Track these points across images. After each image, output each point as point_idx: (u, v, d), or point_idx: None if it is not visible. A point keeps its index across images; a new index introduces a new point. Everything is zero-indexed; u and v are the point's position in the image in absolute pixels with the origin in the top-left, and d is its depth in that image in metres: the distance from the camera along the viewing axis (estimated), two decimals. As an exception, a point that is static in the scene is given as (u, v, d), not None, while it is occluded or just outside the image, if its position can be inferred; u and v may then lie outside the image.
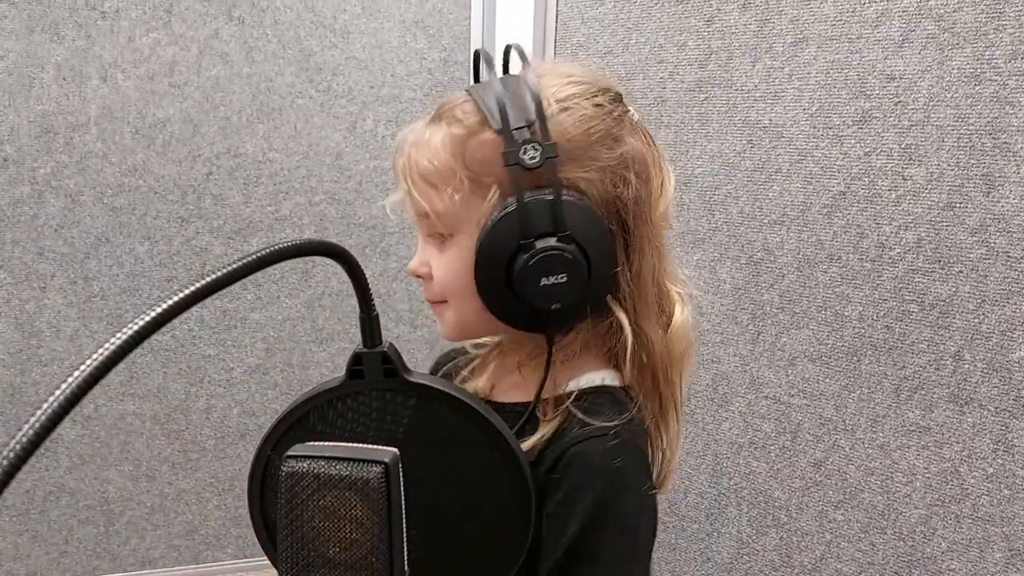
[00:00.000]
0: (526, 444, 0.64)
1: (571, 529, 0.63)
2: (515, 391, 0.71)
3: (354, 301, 0.41)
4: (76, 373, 0.26)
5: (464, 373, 0.78)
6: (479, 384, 0.74)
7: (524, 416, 0.66)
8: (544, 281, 0.63)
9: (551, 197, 0.62)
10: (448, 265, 0.68)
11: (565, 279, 0.63)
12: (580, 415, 0.65)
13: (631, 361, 0.69)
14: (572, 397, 0.67)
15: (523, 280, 0.62)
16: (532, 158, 0.62)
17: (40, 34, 1.54)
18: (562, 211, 0.62)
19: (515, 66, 0.73)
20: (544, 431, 0.65)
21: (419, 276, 0.71)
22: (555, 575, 0.63)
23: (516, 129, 0.62)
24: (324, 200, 1.76)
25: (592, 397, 0.68)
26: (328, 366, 1.84)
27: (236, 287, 1.72)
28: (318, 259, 0.44)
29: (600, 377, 0.70)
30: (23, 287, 1.62)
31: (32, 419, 0.25)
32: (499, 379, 0.74)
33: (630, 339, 0.68)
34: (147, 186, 1.65)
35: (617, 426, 0.65)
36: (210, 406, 1.78)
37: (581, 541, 0.63)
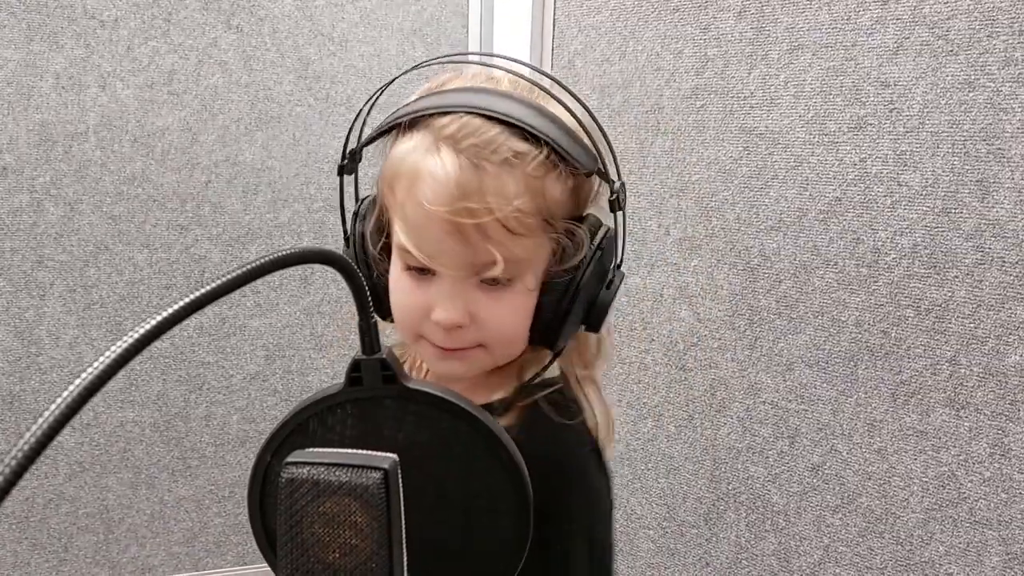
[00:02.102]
0: None
1: (564, 520, 0.66)
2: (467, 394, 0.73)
3: (352, 308, 0.42)
4: (77, 382, 0.26)
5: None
6: None
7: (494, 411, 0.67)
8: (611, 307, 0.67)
9: (619, 231, 0.67)
10: (509, 314, 0.63)
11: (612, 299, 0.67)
12: (550, 413, 0.68)
13: (576, 352, 0.73)
14: (542, 392, 0.69)
15: (601, 310, 0.65)
16: (622, 199, 0.65)
17: (39, 43, 1.55)
18: (625, 243, 0.68)
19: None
20: (507, 422, 0.66)
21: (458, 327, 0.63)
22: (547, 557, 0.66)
23: (599, 172, 0.64)
24: (323, 208, 1.77)
25: (550, 393, 0.70)
26: (327, 373, 1.85)
27: (235, 294, 1.72)
28: (317, 266, 0.44)
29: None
30: (22, 295, 1.62)
31: (33, 428, 0.25)
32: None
33: (594, 337, 0.72)
34: (146, 194, 1.65)
35: (581, 419, 0.69)
36: (210, 413, 1.78)
37: (567, 523, 0.66)
